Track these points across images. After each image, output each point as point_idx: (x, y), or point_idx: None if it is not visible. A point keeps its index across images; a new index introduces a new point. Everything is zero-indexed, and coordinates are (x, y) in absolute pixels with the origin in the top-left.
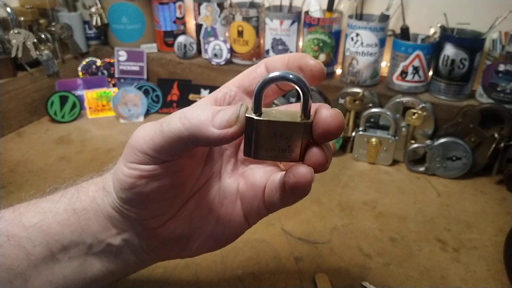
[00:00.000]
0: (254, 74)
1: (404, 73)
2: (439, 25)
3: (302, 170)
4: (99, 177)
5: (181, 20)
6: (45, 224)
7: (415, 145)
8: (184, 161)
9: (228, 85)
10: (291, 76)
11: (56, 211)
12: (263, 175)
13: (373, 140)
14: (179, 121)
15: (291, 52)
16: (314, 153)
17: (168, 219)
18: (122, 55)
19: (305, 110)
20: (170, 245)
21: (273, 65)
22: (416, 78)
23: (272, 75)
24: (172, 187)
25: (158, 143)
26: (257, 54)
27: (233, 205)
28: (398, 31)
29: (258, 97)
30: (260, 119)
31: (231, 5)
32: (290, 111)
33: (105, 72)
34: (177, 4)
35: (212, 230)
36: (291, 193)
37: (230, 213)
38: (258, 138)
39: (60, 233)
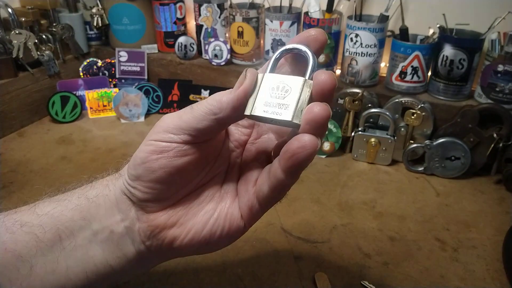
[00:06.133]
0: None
1: (403, 74)
2: (438, 25)
3: (307, 137)
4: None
5: (182, 21)
6: (57, 211)
7: (414, 145)
8: (196, 148)
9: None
10: (300, 46)
11: (69, 199)
12: (256, 169)
13: (372, 140)
14: (205, 101)
15: None
16: (314, 105)
17: (168, 206)
18: (123, 55)
19: (312, 72)
20: (164, 233)
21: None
22: (415, 78)
23: (286, 46)
24: (178, 170)
25: (186, 120)
26: (257, 54)
27: (231, 203)
28: (397, 31)
29: (274, 61)
30: (269, 74)
31: (231, 6)
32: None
33: (106, 72)
34: (178, 5)
35: (207, 222)
36: (292, 162)
37: (228, 208)
38: (260, 93)
39: (71, 219)
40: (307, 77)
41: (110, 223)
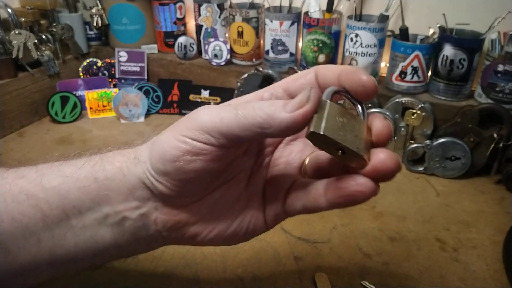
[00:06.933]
0: (302, 80)
1: (403, 74)
2: (438, 25)
3: (369, 184)
4: (128, 148)
5: (182, 21)
6: (65, 188)
7: (414, 145)
8: (231, 152)
9: (274, 86)
10: (355, 100)
11: (77, 177)
12: (287, 175)
13: None
14: (253, 109)
15: (291, 53)
16: (389, 156)
17: (193, 201)
18: (123, 55)
19: (366, 115)
20: (185, 229)
21: (324, 73)
22: (415, 78)
23: (340, 90)
24: (211, 173)
25: (228, 125)
26: (257, 54)
27: (258, 206)
28: (397, 31)
29: (331, 94)
30: (330, 101)
31: (231, 6)
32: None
33: (106, 72)
34: (178, 5)
35: (232, 223)
36: (342, 200)
37: (253, 210)
38: (329, 117)
39: (79, 199)
40: (364, 118)
41: (123, 209)
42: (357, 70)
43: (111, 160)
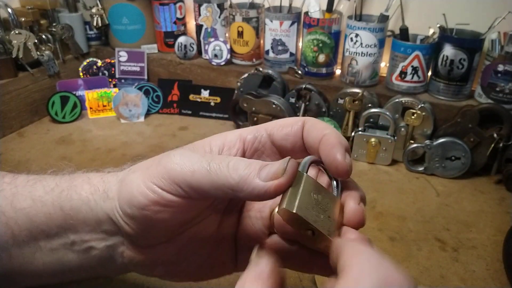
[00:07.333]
0: (288, 129)
1: (403, 74)
2: (438, 25)
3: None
4: (97, 176)
5: (182, 21)
6: (32, 212)
7: (414, 145)
8: (202, 202)
9: (259, 128)
10: (332, 176)
11: (44, 201)
12: (258, 233)
13: (373, 140)
14: (227, 169)
15: (291, 53)
16: (351, 234)
17: (160, 243)
18: (123, 55)
19: (340, 192)
20: (152, 267)
21: (309, 130)
22: (415, 78)
23: (318, 161)
24: (179, 222)
25: (199, 179)
26: (257, 54)
27: (228, 246)
28: (397, 31)
29: (308, 165)
30: (306, 175)
31: (231, 6)
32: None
33: (106, 72)
34: (178, 5)
35: (201, 264)
36: (309, 272)
37: (222, 252)
38: (303, 194)
39: (45, 224)
40: (337, 195)
41: (90, 239)
42: (336, 146)
43: (78, 190)
